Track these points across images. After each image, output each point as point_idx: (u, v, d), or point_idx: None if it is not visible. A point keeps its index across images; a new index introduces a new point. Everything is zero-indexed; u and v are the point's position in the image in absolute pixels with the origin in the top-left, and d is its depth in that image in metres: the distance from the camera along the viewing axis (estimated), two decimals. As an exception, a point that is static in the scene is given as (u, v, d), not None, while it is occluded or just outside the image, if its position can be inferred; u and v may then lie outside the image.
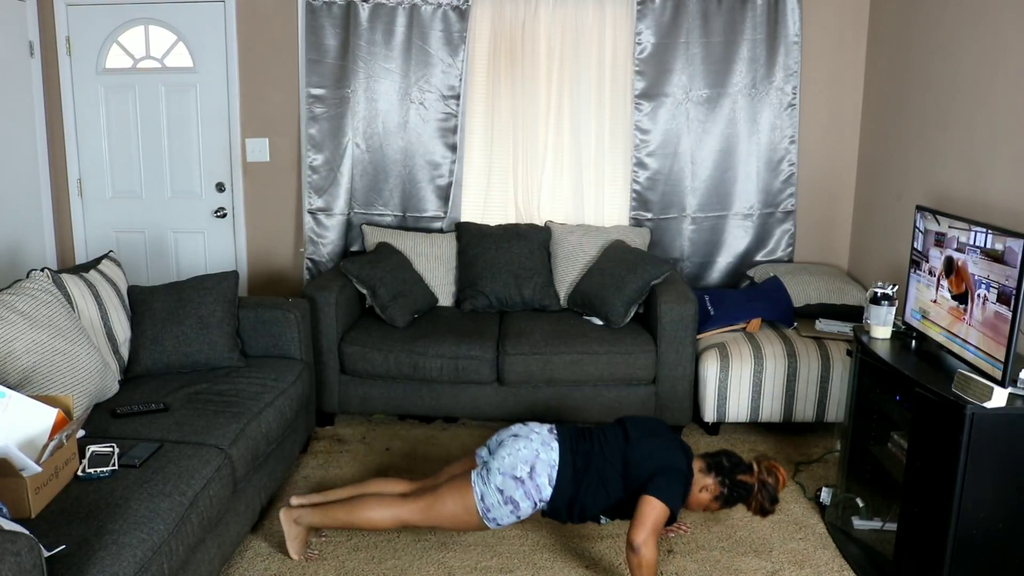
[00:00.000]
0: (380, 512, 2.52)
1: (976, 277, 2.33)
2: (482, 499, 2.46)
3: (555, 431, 2.56)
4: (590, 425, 2.67)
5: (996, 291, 2.22)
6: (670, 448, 2.50)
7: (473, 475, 2.50)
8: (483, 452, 2.60)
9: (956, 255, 2.45)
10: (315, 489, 3.11)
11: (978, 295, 2.31)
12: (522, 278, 3.93)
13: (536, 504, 2.47)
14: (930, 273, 2.61)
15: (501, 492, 2.44)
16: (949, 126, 3.24)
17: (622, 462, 2.47)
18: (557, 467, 2.46)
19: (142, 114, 4.38)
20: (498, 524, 2.49)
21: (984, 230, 2.30)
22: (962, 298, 2.40)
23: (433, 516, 2.50)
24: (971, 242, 2.37)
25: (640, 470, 2.43)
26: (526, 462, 2.46)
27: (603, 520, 2.54)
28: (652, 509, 2.35)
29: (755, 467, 2.53)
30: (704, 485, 2.50)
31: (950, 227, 2.50)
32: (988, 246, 2.27)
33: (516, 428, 2.58)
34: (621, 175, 4.30)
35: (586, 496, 2.46)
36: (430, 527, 2.58)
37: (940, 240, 2.56)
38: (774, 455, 3.45)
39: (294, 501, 2.67)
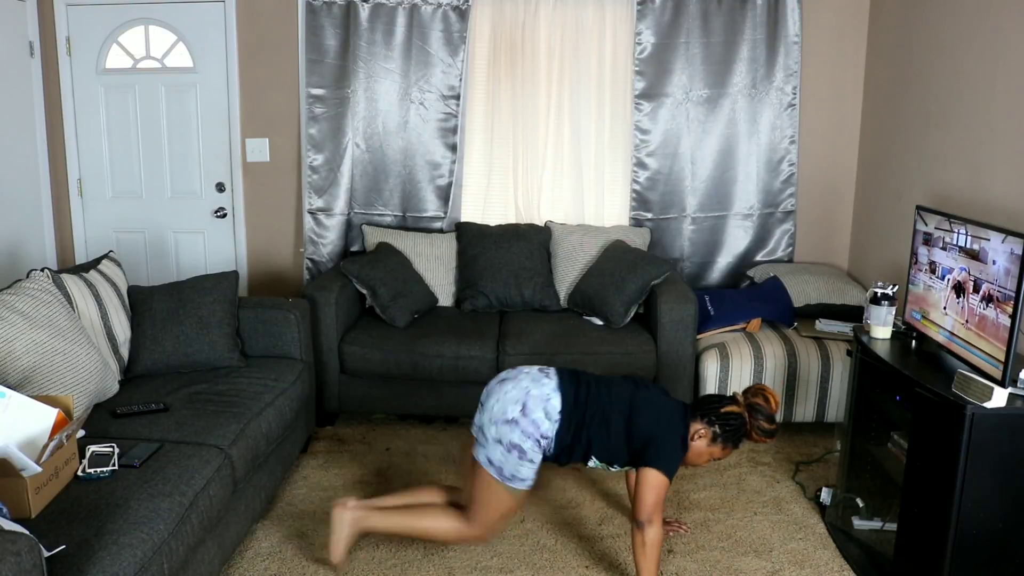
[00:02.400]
0: (445, 524, 2.48)
1: (975, 275, 2.33)
2: (490, 463, 2.38)
3: (548, 369, 2.49)
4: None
5: (995, 290, 2.22)
6: (674, 408, 2.47)
7: (475, 452, 2.44)
8: (476, 418, 2.48)
9: (954, 254, 2.45)
10: (315, 490, 3.11)
11: (978, 293, 2.31)
12: (522, 278, 3.93)
13: (539, 442, 2.37)
14: (931, 272, 2.61)
15: (500, 442, 2.36)
16: (949, 126, 3.24)
17: (628, 405, 2.42)
18: (553, 399, 2.38)
19: (142, 114, 4.38)
20: (523, 481, 2.40)
21: (984, 229, 2.30)
22: (964, 299, 2.40)
23: (481, 520, 2.44)
24: (969, 242, 2.37)
25: (645, 418, 2.40)
26: (516, 401, 2.37)
27: (593, 462, 2.46)
28: (654, 481, 2.33)
29: (739, 397, 2.49)
30: (695, 431, 2.45)
31: (939, 226, 2.50)
32: (988, 244, 2.27)
33: (504, 373, 2.50)
34: (621, 175, 4.30)
35: (591, 428, 2.39)
36: (489, 533, 2.48)
37: (928, 239, 2.56)
38: (774, 455, 3.45)
39: (352, 503, 2.54)
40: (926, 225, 2.64)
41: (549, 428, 2.38)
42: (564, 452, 2.42)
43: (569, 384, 2.43)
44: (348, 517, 2.50)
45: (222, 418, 2.60)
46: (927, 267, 2.64)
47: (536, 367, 2.52)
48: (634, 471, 2.61)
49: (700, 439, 2.46)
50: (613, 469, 2.51)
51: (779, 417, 3.50)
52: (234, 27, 4.26)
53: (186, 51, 4.32)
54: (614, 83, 4.21)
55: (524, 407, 2.37)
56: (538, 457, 2.41)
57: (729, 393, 3.46)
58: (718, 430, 2.45)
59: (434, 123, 4.22)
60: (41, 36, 4.26)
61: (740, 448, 3.46)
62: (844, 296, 3.79)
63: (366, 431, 3.70)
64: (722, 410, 2.46)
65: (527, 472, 2.40)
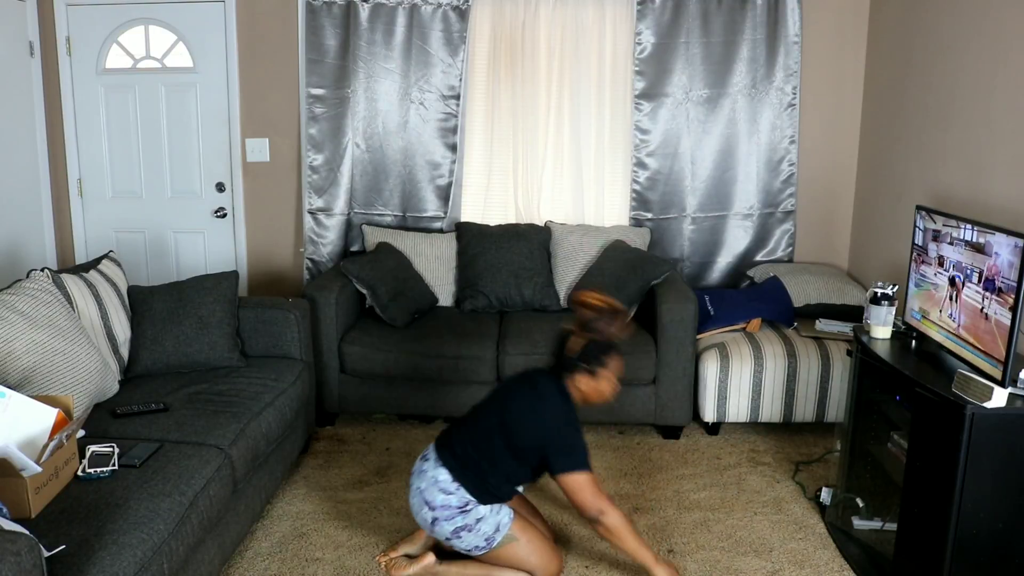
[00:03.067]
0: None
1: (973, 274, 2.33)
2: (468, 551, 2.40)
3: (427, 452, 2.48)
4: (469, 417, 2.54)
5: (994, 291, 2.21)
6: (546, 395, 2.36)
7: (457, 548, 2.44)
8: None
9: (954, 255, 2.45)
10: (314, 490, 3.11)
11: (977, 291, 2.31)
12: (522, 278, 3.93)
13: (467, 510, 2.36)
14: (932, 266, 2.61)
15: (450, 539, 2.39)
16: (949, 126, 3.24)
17: (501, 431, 2.36)
18: (439, 475, 2.38)
19: (142, 114, 4.38)
20: (498, 531, 2.39)
21: (982, 229, 2.30)
22: (965, 299, 2.40)
23: (531, 567, 2.42)
24: (969, 241, 2.37)
25: (523, 432, 2.34)
26: (421, 506, 2.39)
27: (520, 489, 2.48)
28: (573, 484, 2.29)
29: (574, 328, 2.40)
30: (574, 386, 2.39)
31: (944, 225, 2.50)
32: (986, 244, 2.27)
33: (412, 498, 2.46)
34: (621, 175, 4.30)
35: (487, 473, 2.36)
36: (552, 564, 2.45)
37: (936, 237, 2.56)
38: (774, 455, 3.45)
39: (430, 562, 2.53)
40: (934, 223, 2.64)
41: (458, 498, 2.36)
42: (493, 497, 2.40)
43: (445, 450, 2.42)
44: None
45: (222, 418, 2.60)
46: (935, 261, 2.63)
47: (419, 458, 2.50)
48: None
49: (585, 385, 2.39)
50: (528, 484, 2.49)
51: (779, 417, 3.50)
52: (234, 27, 4.26)
53: (186, 51, 4.32)
54: (614, 83, 4.21)
55: (428, 503, 2.38)
56: (481, 509, 2.38)
57: (729, 398, 3.46)
58: (587, 366, 2.37)
59: (434, 123, 4.22)
60: (41, 36, 4.26)
61: (737, 448, 3.47)
62: (844, 296, 3.79)
63: (366, 431, 3.70)
64: (579, 354, 2.36)
65: (490, 525, 2.38)
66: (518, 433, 2.36)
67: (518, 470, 2.40)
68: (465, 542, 2.39)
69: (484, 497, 2.38)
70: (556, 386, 2.41)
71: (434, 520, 2.38)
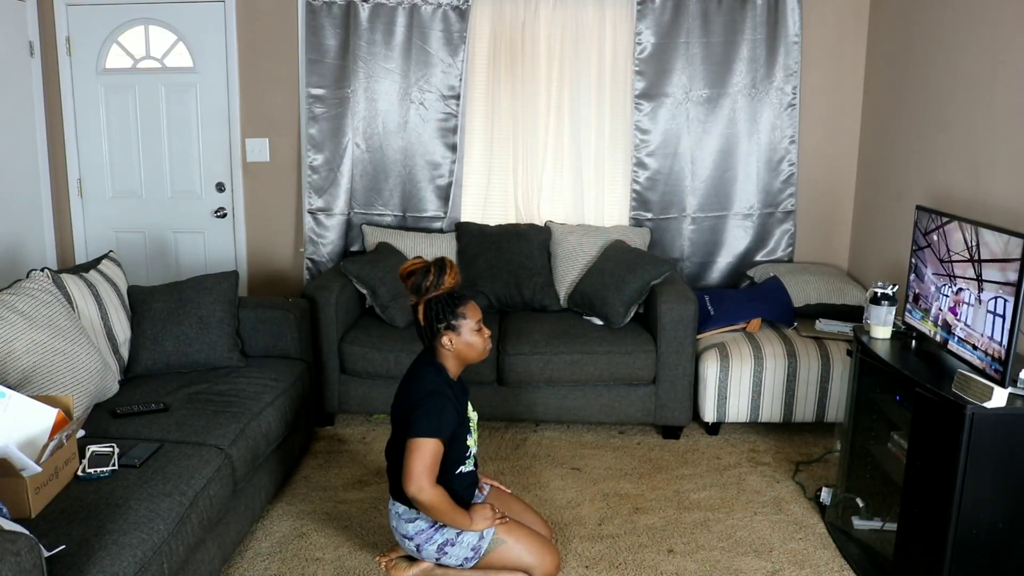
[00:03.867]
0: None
1: (975, 276, 2.33)
2: (465, 559, 2.36)
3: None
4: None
5: (994, 292, 2.22)
6: (419, 381, 2.32)
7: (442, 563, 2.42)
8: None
9: (954, 255, 2.45)
10: (315, 490, 3.11)
11: (978, 294, 2.31)
12: (522, 278, 3.93)
13: (436, 533, 2.35)
14: (931, 268, 2.61)
15: (440, 559, 2.38)
16: (949, 126, 3.24)
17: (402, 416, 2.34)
18: (396, 509, 2.41)
19: (142, 114, 4.38)
20: (478, 540, 2.36)
21: (982, 229, 2.30)
22: (965, 299, 2.40)
23: (525, 564, 2.39)
24: (969, 241, 2.37)
25: (402, 407, 2.32)
26: (402, 541, 2.41)
27: (460, 470, 2.39)
28: (412, 446, 2.21)
29: (415, 298, 2.33)
30: (443, 347, 2.34)
31: (944, 225, 2.50)
32: (986, 245, 2.27)
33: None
34: (621, 175, 4.30)
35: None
36: (549, 559, 2.41)
37: (936, 237, 2.56)
38: (774, 455, 3.45)
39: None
40: (933, 223, 2.64)
41: (424, 519, 2.36)
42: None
43: (391, 479, 2.42)
44: None
45: (222, 418, 2.60)
46: (935, 261, 2.64)
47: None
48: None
49: (453, 344, 2.33)
50: (470, 453, 2.43)
51: (779, 417, 3.51)
52: (234, 27, 4.26)
53: (186, 51, 4.32)
54: (614, 83, 4.21)
55: (404, 536, 2.39)
56: (446, 530, 2.35)
57: (729, 398, 3.46)
58: (442, 327, 2.31)
59: (434, 123, 4.22)
60: (41, 36, 4.26)
61: (737, 448, 3.47)
62: (844, 296, 3.79)
63: (366, 431, 3.69)
64: (434, 323, 2.32)
65: (472, 535, 2.35)
66: (402, 409, 2.32)
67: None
68: (453, 557, 2.36)
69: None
70: (429, 364, 2.36)
71: (418, 547, 2.38)
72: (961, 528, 2.16)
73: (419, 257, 2.37)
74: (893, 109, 3.78)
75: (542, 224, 4.24)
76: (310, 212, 4.30)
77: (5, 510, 1.86)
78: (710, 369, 3.47)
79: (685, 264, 4.30)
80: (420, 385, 2.32)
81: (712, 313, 3.72)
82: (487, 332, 2.41)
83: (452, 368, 2.39)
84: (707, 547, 2.74)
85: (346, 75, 4.18)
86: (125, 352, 2.98)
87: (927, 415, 2.27)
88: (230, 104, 4.34)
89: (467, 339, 2.35)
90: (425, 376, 2.34)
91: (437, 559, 2.39)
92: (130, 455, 2.27)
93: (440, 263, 2.32)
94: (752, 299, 3.80)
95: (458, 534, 2.35)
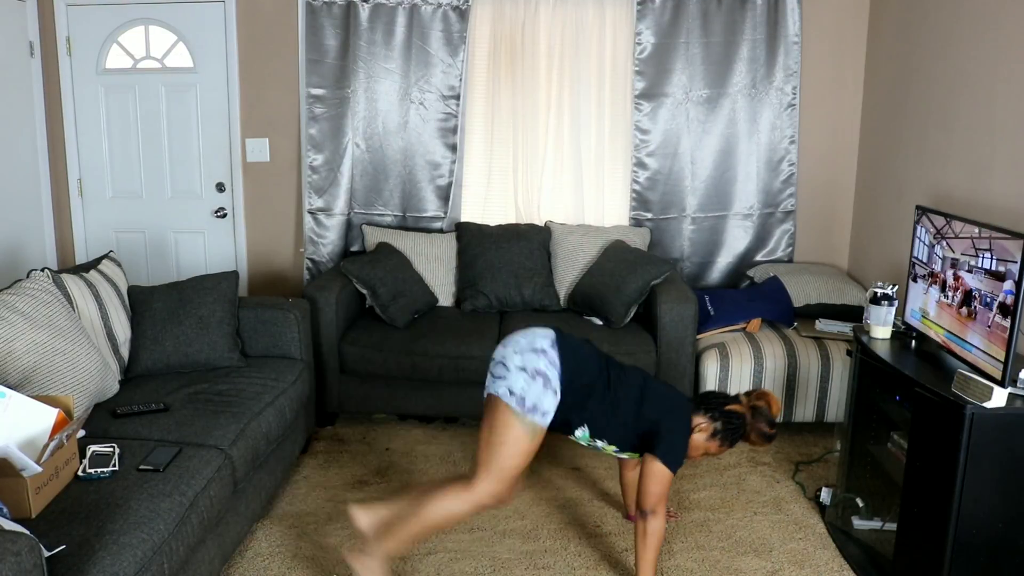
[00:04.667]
0: (447, 503, 2.26)
1: (974, 278, 2.33)
2: (511, 393, 2.26)
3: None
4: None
5: (994, 295, 2.22)
6: (682, 402, 2.50)
7: (491, 387, 2.32)
8: (496, 353, 2.39)
9: (954, 256, 2.45)
10: (315, 489, 3.11)
11: (979, 295, 2.31)
12: (522, 278, 3.93)
13: (558, 376, 2.30)
14: (930, 275, 2.61)
15: (525, 369, 2.27)
16: (950, 126, 3.24)
17: (640, 390, 2.42)
18: (579, 350, 2.38)
19: (142, 114, 4.38)
20: (544, 411, 2.28)
21: (985, 231, 2.30)
22: (965, 299, 2.40)
23: (493, 466, 2.26)
24: (971, 243, 2.37)
25: (654, 405, 2.41)
26: (545, 337, 2.34)
27: (582, 431, 2.40)
28: (659, 473, 2.35)
29: (742, 398, 2.53)
30: (696, 424, 2.47)
31: (944, 225, 2.50)
32: (987, 247, 2.27)
33: (520, 332, 2.41)
34: (621, 175, 4.30)
35: (598, 403, 2.37)
36: (503, 486, 2.28)
37: (941, 242, 2.56)
38: (774, 455, 3.45)
39: (361, 549, 2.34)
40: (933, 223, 2.64)
41: (559, 373, 2.31)
42: (562, 408, 2.33)
43: (586, 345, 2.44)
44: (373, 566, 2.32)
45: (222, 418, 2.60)
46: (936, 261, 2.64)
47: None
48: (627, 458, 2.66)
49: (700, 432, 2.47)
50: (603, 446, 2.44)
51: (779, 418, 3.50)
52: (234, 27, 4.26)
53: (186, 51, 4.32)
54: (614, 83, 4.21)
55: (553, 341, 2.34)
56: (559, 393, 2.31)
57: (731, 393, 3.46)
58: (719, 426, 2.46)
59: (434, 123, 4.22)
60: (41, 36, 4.26)
61: (737, 448, 3.47)
62: (844, 296, 3.79)
63: (366, 431, 3.70)
64: (726, 407, 2.48)
65: (549, 403, 2.28)
66: (650, 400, 2.42)
67: (617, 419, 2.39)
68: (523, 384, 2.27)
69: (561, 405, 2.32)
70: (689, 407, 2.51)
71: (538, 350, 2.30)
72: (961, 528, 2.16)
73: (777, 409, 2.52)
74: (893, 109, 3.79)
75: (542, 224, 4.24)
76: (310, 212, 4.30)
77: (5, 510, 1.86)
78: (710, 369, 3.47)
79: (685, 264, 4.30)
80: (681, 415, 2.45)
81: (712, 313, 3.72)
82: (698, 458, 2.56)
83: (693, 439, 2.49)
84: (707, 547, 2.74)
85: (346, 75, 4.18)
86: (125, 352, 2.98)
87: (927, 415, 2.27)
88: (230, 104, 4.34)
89: (703, 444, 2.49)
90: (687, 414, 2.47)
91: (500, 377, 2.31)
92: (150, 460, 2.25)
93: (774, 430, 2.50)
94: (752, 299, 3.80)
95: (545, 387, 2.28)
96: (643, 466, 2.40)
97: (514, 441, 2.27)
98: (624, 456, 2.54)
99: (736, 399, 2.52)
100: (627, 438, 2.44)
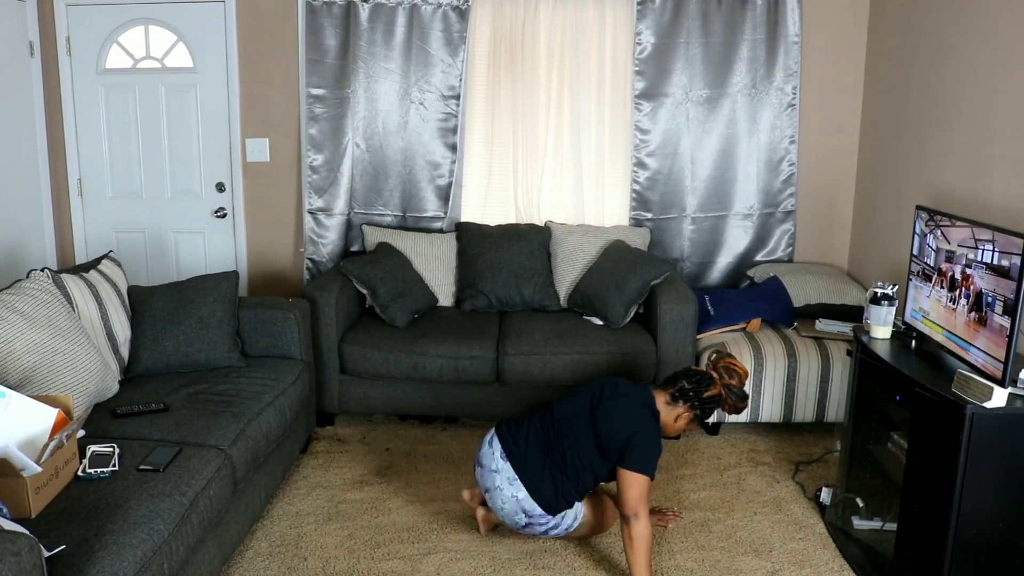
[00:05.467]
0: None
1: (975, 279, 2.33)
2: (557, 528, 2.58)
3: (500, 459, 2.58)
4: (549, 409, 2.67)
5: (997, 297, 2.21)
6: (633, 407, 2.51)
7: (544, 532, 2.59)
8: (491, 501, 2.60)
9: (955, 255, 2.45)
10: (315, 489, 3.11)
11: (983, 298, 2.31)
12: (522, 278, 3.93)
13: (554, 519, 2.54)
14: (928, 277, 2.61)
15: (501, 492, 2.55)
16: (949, 126, 3.24)
17: (594, 442, 2.50)
18: (520, 495, 2.53)
19: (142, 114, 4.38)
20: (570, 527, 2.60)
21: (986, 231, 2.30)
22: (964, 299, 2.40)
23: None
24: (972, 244, 2.37)
25: (613, 440, 2.47)
26: (516, 512, 2.52)
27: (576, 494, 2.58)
28: (631, 482, 2.42)
29: (715, 376, 2.59)
30: (676, 415, 2.58)
31: (943, 225, 2.50)
32: (987, 247, 2.27)
33: (481, 478, 2.59)
34: (621, 175, 4.30)
35: (577, 483, 2.51)
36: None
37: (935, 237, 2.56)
38: (774, 455, 3.45)
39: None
40: (933, 224, 2.64)
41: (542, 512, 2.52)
42: (565, 505, 2.53)
43: (515, 451, 2.55)
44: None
45: (222, 418, 2.60)
46: (935, 261, 2.63)
47: (497, 453, 2.57)
48: None
49: (682, 420, 2.58)
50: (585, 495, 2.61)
51: (779, 417, 3.51)
52: (234, 27, 4.26)
53: (186, 51, 4.32)
54: (614, 83, 4.21)
55: (527, 513, 2.52)
56: (565, 512, 2.56)
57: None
58: (699, 412, 2.59)
59: (434, 123, 4.22)
60: (41, 36, 4.26)
61: (737, 448, 3.48)
62: (844, 296, 3.79)
63: (366, 431, 3.70)
64: (704, 395, 2.55)
65: (570, 517, 2.57)
66: (603, 426, 2.49)
67: (596, 467, 2.50)
68: (545, 530, 2.56)
69: (555, 508, 2.52)
70: (650, 400, 2.56)
71: (527, 524, 2.54)
72: (961, 528, 2.16)
73: (745, 374, 2.62)
74: (893, 109, 3.78)
75: (542, 224, 4.23)
76: (310, 212, 4.30)
77: (5, 510, 1.86)
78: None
79: (685, 264, 4.30)
80: (643, 419, 2.50)
81: (712, 313, 3.72)
82: (683, 432, 2.74)
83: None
84: (707, 547, 2.74)
85: (346, 75, 4.18)
86: (125, 352, 2.98)
87: (927, 415, 2.27)
88: (230, 104, 4.34)
89: (685, 426, 2.63)
90: (649, 411, 2.52)
91: (525, 528, 2.54)
92: (150, 460, 2.25)
93: (746, 401, 2.61)
94: (752, 299, 3.80)
95: (562, 518, 2.54)
96: (618, 477, 2.45)
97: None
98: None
99: (709, 380, 2.57)
100: (605, 471, 2.52)
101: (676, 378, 2.62)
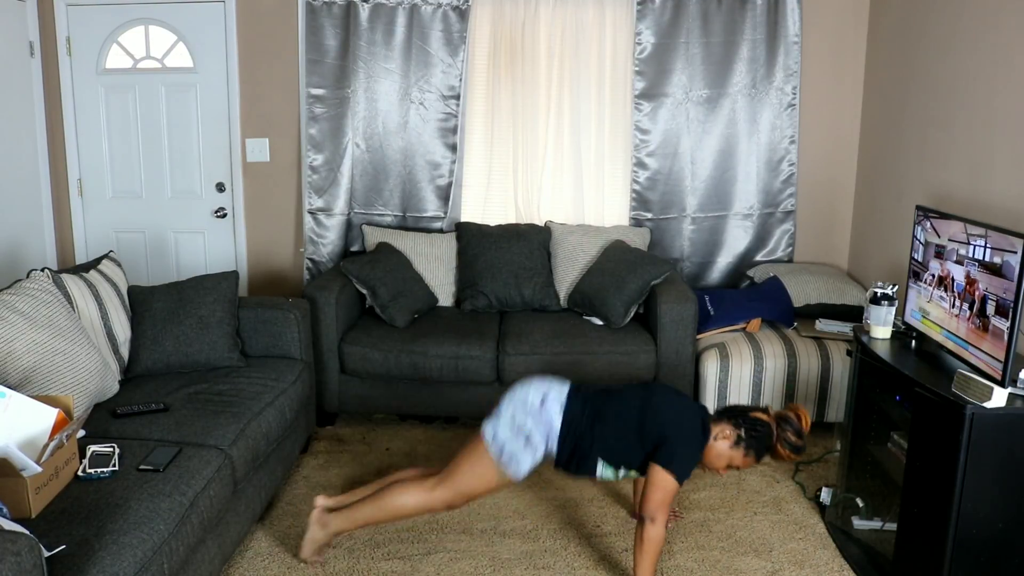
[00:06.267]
0: (405, 498, 2.46)
1: (974, 274, 2.33)
2: (494, 439, 2.41)
3: (566, 381, 2.54)
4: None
5: (994, 295, 2.22)
6: (693, 411, 2.45)
7: (484, 424, 2.47)
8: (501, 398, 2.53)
9: (955, 254, 2.45)
10: (315, 489, 3.11)
11: (980, 295, 2.31)
12: (522, 278, 3.93)
13: (547, 439, 2.41)
14: (929, 278, 2.61)
15: (513, 421, 2.41)
16: (949, 126, 3.24)
17: (640, 408, 2.42)
18: (567, 402, 2.44)
19: (142, 114, 4.38)
20: (518, 467, 2.41)
21: (982, 229, 2.30)
22: (965, 301, 2.40)
23: (455, 485, 2.44)
24: (973, 246, 2.37)
25: (658, 420, 2.39)
26: (538, 390, 2.45)
27: (601, 467, 2.44)
28: (661, 480, 2.33)
29: (770, 409, 2.47)
30: (718, 431, 2.41)
31: (943, 225, 2.50)
32: (987, 247, 2.27)
33: (526, 378, 2.55)
34: (621, 175, 4.30)
35: (597, 437, 2.40)
36: (458, 501, 2.47)
37: (940, 252, 2.56)
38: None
39: (320, 501, 2.57)
40: (933, 224, 2.64)
41: (559, 427, 2.41)
42: (570, 454, 2.42)
43: (581, 393, 2.49)
44: (322, 520, 2.54)
45: (222, 418, 2.60)
46: (935, 260, 2.63)
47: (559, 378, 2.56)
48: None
49: (723, 440, 2.41)
50: (623, 474, 2.46)
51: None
52: (234, 27, 4.26)
53: (186, 51, 4.32)
54: (614, 83, 4.21)
55: (545, 397, 2.44)
56: (540, 452, 2.42)
57: (729, 398, 3.46)
58: (743, 434, 2.40)
59: (434, 123, 4.22)
60: (41, 36, 4.26)
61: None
62: (844, 296, 3.79)
63: (366, 431, 3.70)
64: (751, 415, 2.43)
65: (525, 462, 2.41)
66: (652, 415, 2.40)
67: (621, 443, 2.41)
68: (506, 434, 2.41)
69: (565, 451, 2.42)
70: (703, 415, 2.47)
71: (529, 406, 2.42)
72: (961, 528, 2.16)
73: (808, 426, 2.43)
74: (893, 109, 3.79)
75: (542, 224, 4.24)
76: (310, 212, 4.30)
77: (5, 510, 1.86)
78: (710, 369, 3.47)
79: (685, 264, 4.30)
80: (691, 425, 2.41)
81: (712, 313, 3.72)
82: (723, 473, 2.49)
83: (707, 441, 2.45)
84: (707, 547, 2.74)
85: (346, 75, 4.18)
86: (125, 352, 2.98)
87: (927, 415, 2.27)
88: (230, 104, 4.34)
89: (727, 453, 2.42)
90: (699, 423, 2.43)
91: (499, 456, 2.42)
92: (150, 460, 2.25)
93: (802, 441, 2.42)
94: (752, 299, 3.80)
95: (525, 446, 2.41)
96: (648, 473, 2.37)
97: (482, 475, 2.45)
98: (625, 475, 2.49)
99: (763, 409, 2.46)
100: (636, 457, 2.42)
101: (731, 406, 2.53)
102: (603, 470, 2.45)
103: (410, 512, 2.49)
